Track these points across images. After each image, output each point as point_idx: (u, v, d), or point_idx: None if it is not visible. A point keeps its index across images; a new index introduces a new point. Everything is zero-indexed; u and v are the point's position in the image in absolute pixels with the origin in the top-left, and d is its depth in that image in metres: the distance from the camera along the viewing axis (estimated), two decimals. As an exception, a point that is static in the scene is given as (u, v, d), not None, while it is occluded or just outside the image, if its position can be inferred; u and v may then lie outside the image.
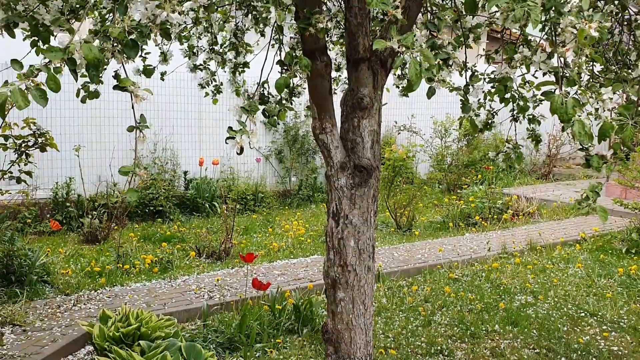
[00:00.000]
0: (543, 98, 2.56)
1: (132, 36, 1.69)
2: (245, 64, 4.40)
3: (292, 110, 2.65)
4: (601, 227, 7.36)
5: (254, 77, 4.34)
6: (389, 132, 10.25)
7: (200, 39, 4.41)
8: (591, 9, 1.85)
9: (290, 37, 4.70)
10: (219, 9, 4.27)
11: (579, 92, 1.88)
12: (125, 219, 7.10)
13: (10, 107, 5.14)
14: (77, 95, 3.05)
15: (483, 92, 2.99)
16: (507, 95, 2.67)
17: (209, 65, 4.35)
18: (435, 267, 5.92)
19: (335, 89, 4.47)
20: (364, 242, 3.19)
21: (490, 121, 3.20)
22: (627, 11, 3.54)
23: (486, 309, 4.86)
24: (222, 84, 4.57)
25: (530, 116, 3.03)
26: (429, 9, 1.82)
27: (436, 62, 1.70)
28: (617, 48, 3.54)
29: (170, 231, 7.14)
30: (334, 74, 4.50)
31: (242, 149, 1.92)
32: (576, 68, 1.67)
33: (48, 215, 7.23)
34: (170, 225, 7.50)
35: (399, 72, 4.28)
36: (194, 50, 4.31)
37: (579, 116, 1.75)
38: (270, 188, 9.27)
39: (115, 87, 1.78)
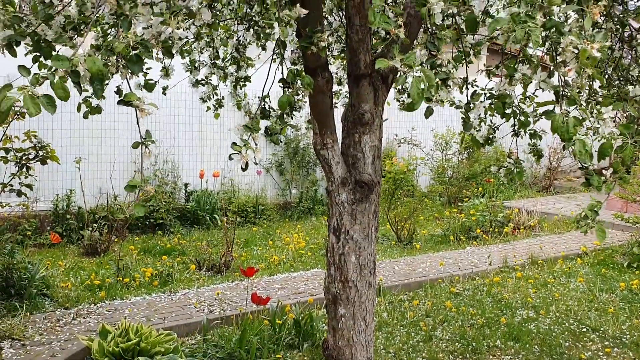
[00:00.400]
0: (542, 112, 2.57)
1: (136, 51, 1.70)
2: (247, 78, 4.42)
3: (294, 128, 2.66)
4: (602, 242, 7.33)
5: (255, 89, 4.36)
6: (390, 145, 10.26)
7: (202, 53, 4.43)
8: (592, 28, 1.86)
9: (292, 52, 4.72)
10: (221, 24, 4.30)
11: (579, 110, 1.88)
12: (125, 232, 7.09)
13: (10, 119, 5.17)
14: (79, 109, 3.06)
15: (484, 107, 3.00)
16: (508, 111, 2.68)
17: (210, 79, 4.37)
18: (436, 281, 5.90)
19: (336, 103, 4.48)
20: (365, 258, 3.18)
21: (491, 136, 3.21)
22: (627, 28, 3.56)
23: (487, 324, 4.83)
24: (223, 98, 4.58)
25: (532, 131, 3.03)
26: (429, 28, 1.83)
27: (435, 82, 1.70)
28: (617, 64, 3.56)
29: (171, 244, 7.12)
30: (335, 87, 4.51)
31: (247, 165, 1.92)
32: (577, 87, 1.67)
33: (48, 228, 7.22)
34: (171, 237, 7.49)
35: (399, 86, 4.30)
36: (196, 65, 4.33)
37: (580, 135, 1.75)
38: (271, 200, 9.26)
39: (119, 102, 1.78)
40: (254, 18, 4.15)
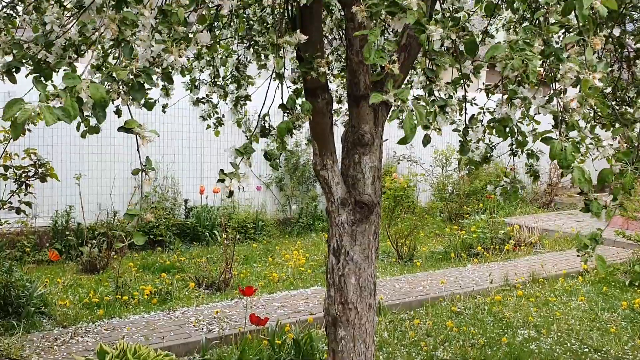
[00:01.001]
0: (542, 131, 2.57)
1: (138, 79, 1.70)
2: (247, 97, 4.42)
3: (289, 151, 2.65)
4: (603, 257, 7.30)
5: (256, 106, 4.38)
6: (389, 162, 10.26)
7: (203, 72, 4.44)
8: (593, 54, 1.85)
9: (292, 70, 4.74)
10: (221, 42, 4.32)
11: (578, 136, 1.88)
12: (124, 248, 7.07)
13: (10, 137, 5.18)
14: (78, 129, 3.06)
15: (482, 125, 3.00)
16: (506, 130, 2.68)
17: (211, 98, 4.38)
18: (437, 299, 5.87)
19: (336, 121, 4.49)
20: (365, 279, 3.16)
21: (489, 155, 3.21)
22: (626, 49, 3.57)
23: (489, 344, 4.79)
24: (223, 116, 4.59)
25: (529, 151, 3.03)
26: (428, 54, 1.84)
27: (433, 110, 1.70)
28: (616, 84, 3.56)
29: (170, 261, 7.09)
30: (335, 105, 4.52)
31: (231, 193, 1.91)
32: (576, 114, 1.67)
33: (47, 244, 7.20)
34: (170, 254, 7.46)
35: (393, 119, 4.31)
36: (196, 84, 4.34)
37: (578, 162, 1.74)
38: (271, 216, 9.24)
39: (120, 129, 1.77)
40: (254, 37, 4.17)
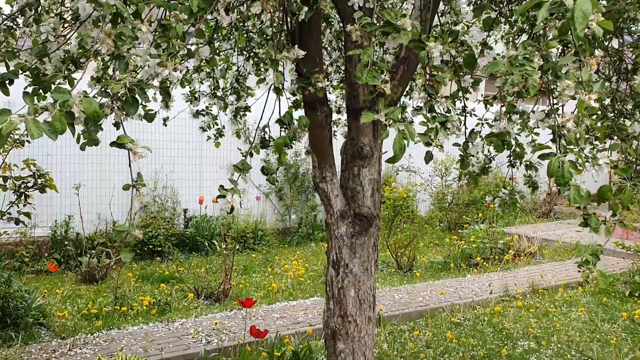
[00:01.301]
0: (542, 143, 2.57)
1: (133, 93, 1.70)
2: (247, 108, 4.43)
3: (287, 164, 2.66)
4: (604, 270, 7.28)
5: (255, 115, 4.39)
6: (388, 172, 10.26)
7: (202, 83, 4.45)
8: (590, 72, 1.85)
9: (291, 82, 4.75)
10: (221, 54, 4.33)
11: (576, 155, 1.88)
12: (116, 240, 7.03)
13: (10, 147, 5.18)
14: (78, 141, 3.06)
15: (481, 137, 3.01)
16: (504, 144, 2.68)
17: (211, 110, 4.38)
18: (437, 310, 5.85)
19: (335, 132, 4.50)
20: (364, 292, 3.15)
21: (487, 166, 3.21)
22: (624, 61, 3.58)
23: (489, 356, 4.78)
24: (224, 127, 4.60)
25: (528, 162, 3.03)
26: (427, 72, 1.85)
27: (434, 126, 1.71)
28: (614, 95, 3.57)
29: (169, 271, 7.08)
30: (334, 116, 4.53)
31: (232, 208, 1.91)
32: (575, 138, 1.67)
33: (46, 254, 7.18)
34: (169, 264, 7.44)
35: (383, 138, 4.33)
36: (196, 95, 4.35)
37: (575, 180, 1.74)
38: (270, 226, 9.23)
39: (112, 144, 1.77)
40: (253, 49, 4.18)
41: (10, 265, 6.58)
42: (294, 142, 3.53)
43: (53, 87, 2.83)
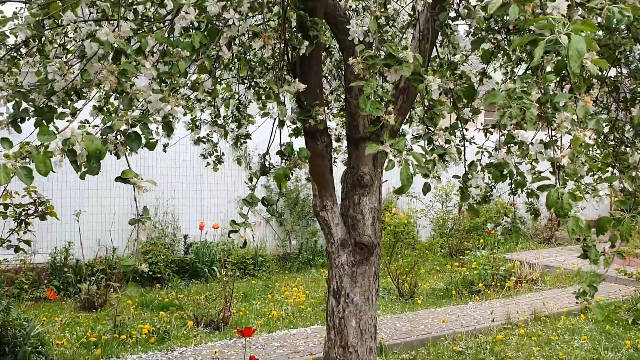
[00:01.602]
0: (542, 171, 2.58)
1: (135, 128, 1.71)
2: (247, 135, 4.47)
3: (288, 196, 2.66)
4: (605, 297, 7.24)
5: (256, 141, 4.43)
6: (389, 197, 10.25)
7: (203, 111, 4.49)
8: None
9: (292, 110, 4.79)
10: (222, 82, 4.38)
11: (575, 186, 1.89)
12: (123, 285, 7.01)
13: (12, 175, 5.20)
14: (79, 170, 3.08)
15: (481, 165, 3.02)
16: (504, 171, 2.69)
17: (212, 137, 4.42)
18: (439, 338, 5.79)
19: (335, 158, 4.52)
20: (365, 322, 3.14)
21: (488, 194, 3.21)
22: (622, 91, 3.61)
23: (491, 385, 4.72)
24: (223, 154, 4.62)
25: (529, 190, 3.04)
26: (426, 103, 1.87)
27: (432, 158, 1.72)
28: (614, 124, 3.60)
29: (169, 298, 7.03)
30: (334, 144, 4.55)
31: (245, 243, 1.91)
32: (572, 174, 1.68)
33: (45, 281, 7.15)
34: (169, 291, 7.40)
35: (388, 168, 4.35)
36: (197, 123, 4.38)
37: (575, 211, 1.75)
38: (270, 251, 9.19)
39: (117, 179, 1.79)
40: (254, 78, 4.23)
41: (9, 292, 6.55)
42: (295, 168, 3.54)
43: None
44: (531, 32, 1.82)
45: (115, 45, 1.51)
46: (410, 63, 1.62)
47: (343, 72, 3.88)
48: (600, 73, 2.50)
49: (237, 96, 4.31)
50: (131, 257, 2.03)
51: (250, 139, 4.41)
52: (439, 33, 2.95)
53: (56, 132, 1.71)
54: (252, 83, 4.21)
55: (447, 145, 1.88)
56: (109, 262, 7.24)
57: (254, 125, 4.44)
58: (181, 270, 8.05)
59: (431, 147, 1.84)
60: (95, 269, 7.17)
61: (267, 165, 3.60)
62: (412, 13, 3.42)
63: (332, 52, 4.10)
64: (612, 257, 1.89)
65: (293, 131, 3.46)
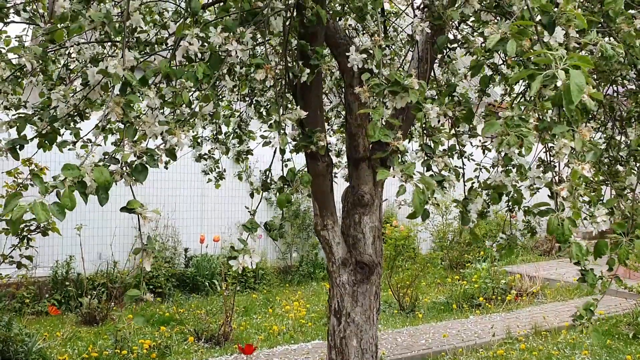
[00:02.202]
0: (539, 186, 2.60)
1: (142, 160, 1.74)
2: (249, 152, 4.50)
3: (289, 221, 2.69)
4: (606, 310, 7.24)
5: (257, 155, 4.47)
6: (390, 208, 10.28)
7: (205, 129, 4.53)
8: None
9: (293, 127, 4.84)
10: (223, 99, 4.41)
11: (572, 212, 1.91)
12: (123, 299, 7.01)
13: (13, 191, 5.23)
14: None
15: (479, 182, 3.04)
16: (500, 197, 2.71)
17: (213, 154, 4.45)
18: (439, 353, 5.79)
19: (335, 174, 4.54)
20: (366, 342, 3.15)
21: (485, 210, 3.24)
22: (618, 110, 3.65)
23: (492, 402, 4.72)
24: (225, 170, 4.66)
25: (526, 208, 3.06)
26: (425, 131, 1.90)
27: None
28: (609, 142, 3.63)
29: (169, 312, 7.03)
30: (334, 159, 4.58)
31: (244, 269, 1.93)
32: (570, 205, 1.71)
33: (47, 295, 7.16)
34: (170, 305, 7.40)
35: (400, 197, 4.39)
36: (199, 141, 4.42)
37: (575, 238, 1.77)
38: (271, 264, 9.20)
39: (122, 209, 1.81)
40: (255, 96, 4.27)
41: (11, 307, 6.56)
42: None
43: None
44: (529, 60, 1.86)
45: (121, 74, 1.54)
46: (416, 90, 1.65)
47: (343, 90, 3.92)
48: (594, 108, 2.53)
49: (237, 114, 4.35)
50: (132, 271, 2.05)
51: (252, 154, 4.45)
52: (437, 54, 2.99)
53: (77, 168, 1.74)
54: (254, 101, 4.25)
55: (445, 174, 1.91)
56: (110, 276, 7.25)
57: (254, 142, 4.48)
58: (182, 284, 8.06)
59: (430, 173, 1.87)
60: (96, 282, 7.18)
61: (269, 182, 3.63)
62: (411, 34, 3.46)
63: (333, 71, 4.14)
64: (609, 281, 1.91)
65: (294, 147, 3.50)
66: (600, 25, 2.05)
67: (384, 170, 1.69)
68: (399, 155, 1.72)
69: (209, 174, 4.58)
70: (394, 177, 3.25)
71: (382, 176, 1.68)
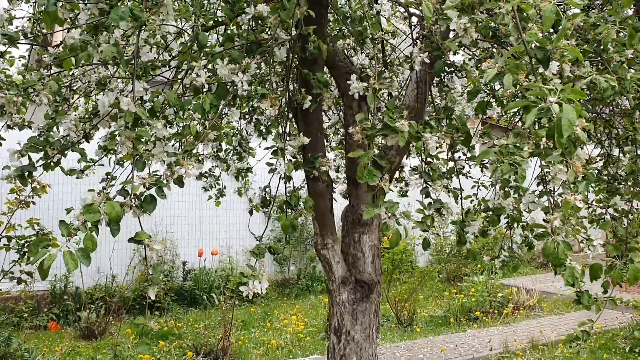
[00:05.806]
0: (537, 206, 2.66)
1: (151, 191, 1.79)
2: (249, 169, 4.56)
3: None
4: (603, 324, 7.28)
5: (255, 168, 4.52)
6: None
7: (205, 147, 4.57)
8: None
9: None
10: (224, 116, 4.47)
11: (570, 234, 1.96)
12: (122, 312, 7.04)
13: (15, 208, 5.26)
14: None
15: (477, 199, 3.10)
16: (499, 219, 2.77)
17: (213, 172, 4.50)
18: (436, 368, 5.82)
19: (334, 189, 4.59)
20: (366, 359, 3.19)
21: (486, 229, 3.29)
22: (615, 129, 3.72)
23: (490, 417, 4.74)
24: (225, 187, 4.71)
25: (524, 224, 3.11)
26: (423, 158, 1.96)
27: (430, 213, 1.81)
28: (607, 160, 3.69)
29: (168, 326, 7.04)
30: (333, 175, 4.64)
31: (254, 295, 1.98)
32: (563, 234, 1.76)
33: (45, 309, 7.16)
34: (168, 319, 7.41)
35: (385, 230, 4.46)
36: (200, 158, 4.46)
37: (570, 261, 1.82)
38: (269, 277, 9.19)
39: (130, 240, 1.86)
40: (255, 115, 4.33)
41: (9, 321, 6.56)
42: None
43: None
44: (526, 90, 1.92)
45: (133, 110, 1.59)
46: (405, 132, 1.72)
47: (343, 117, 3.97)
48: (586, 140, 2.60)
49: (238, 133, 4.40)
50: (131, 284, 2.09)
51: (252, 172, 4.50)
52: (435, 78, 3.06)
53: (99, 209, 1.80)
54: (254, 119, 4.31)
55: (444, 200, 1.96)
56: (109, 290, 7.27)
57: (254, 158, 4.53)
58: (180, 298, 8.07)
59: (429, 202, 1.93)
60: (95, 296, 7.19)
61: (268, 199, 3.68)
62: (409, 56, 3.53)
63: (332, 90, 4.21)
64: (604, 303, 1.96)
65: (294, 165, 3.55)
66: (592, 54, 2.12)
67: (370, 209, 1.75)
68: (384, 195, 1.78)
69: (209, 190, 4.62)
70: (379, 215, 3.31)
71: (368, 215, 1.75)
